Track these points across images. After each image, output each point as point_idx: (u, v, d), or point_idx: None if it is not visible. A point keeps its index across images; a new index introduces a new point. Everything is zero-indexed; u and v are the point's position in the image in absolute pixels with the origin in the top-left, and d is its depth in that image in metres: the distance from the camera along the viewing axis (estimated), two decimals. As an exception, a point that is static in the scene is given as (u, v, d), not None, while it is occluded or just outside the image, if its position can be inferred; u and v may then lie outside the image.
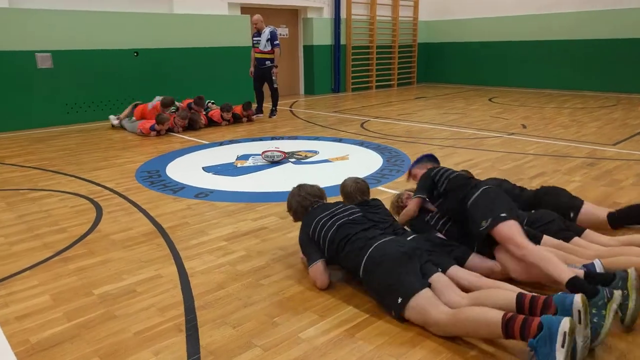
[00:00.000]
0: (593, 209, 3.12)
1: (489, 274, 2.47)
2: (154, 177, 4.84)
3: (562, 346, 1.70)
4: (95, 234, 3.37)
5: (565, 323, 1.73)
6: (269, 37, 8.19)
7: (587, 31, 11.34)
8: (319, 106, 10.13)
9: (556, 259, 2.28)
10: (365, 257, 2.35)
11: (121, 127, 7.68)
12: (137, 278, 2.70)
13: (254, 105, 8.56)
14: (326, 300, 2.44)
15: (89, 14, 8.08)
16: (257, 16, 8.37)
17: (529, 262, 2.32)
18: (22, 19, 7.47)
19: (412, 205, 3.02)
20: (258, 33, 8.31)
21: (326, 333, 2.16)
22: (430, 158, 3.45)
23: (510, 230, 2.42)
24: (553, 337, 1.72)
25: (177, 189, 4.40)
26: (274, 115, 8.67)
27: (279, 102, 9.00)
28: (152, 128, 6.95)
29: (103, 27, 8.27)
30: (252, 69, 8.60)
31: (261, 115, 8.69)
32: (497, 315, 1.89)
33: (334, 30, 12.10)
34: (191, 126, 7.44)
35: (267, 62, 8.34)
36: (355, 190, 3.05)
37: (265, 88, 8.76)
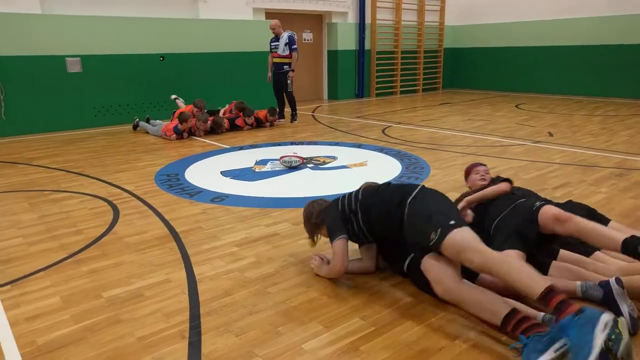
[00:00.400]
0: (617, 230, 2.95)
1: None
2: (172, 180, 4.90)
3: (602, 331, 1.64)
4: (111, 236, 3.41)
5: (606, 315, 1.69)
6: (287, 41, 8.18)
7: (619, 36, 10.97)
8: (342, 111, 10.09)
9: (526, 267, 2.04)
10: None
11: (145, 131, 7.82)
12: (146, 282, 2.71)
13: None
14: (333, 311, 2.39)
15: (117, 20, 8.28)
16: (274, 21, 8.35)
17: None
18: (54, 24, 7.71)
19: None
20: (276, 38, 8.31)
21: (330, 345, 2.12)
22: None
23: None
24: (595, 320, 1.67)
25: (194, 193, 4.43)
26: (295, 120, 8.68)
27: (298, 107, 9.01)
28: (175, 129, 7.04)
29: (130, 32, 8.45)
30: (270, 74, 8.60)
31: (282, 120, 8.71)
32: (543, 280, 1.91)
33: (358, 35, 12.07)
34: (214, 130, 7.52)
35: (285, 67, 8.34)
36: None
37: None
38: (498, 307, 2.04)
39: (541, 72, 12.56)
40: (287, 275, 2.78)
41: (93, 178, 5.01)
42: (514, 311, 1.99)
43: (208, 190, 4.50)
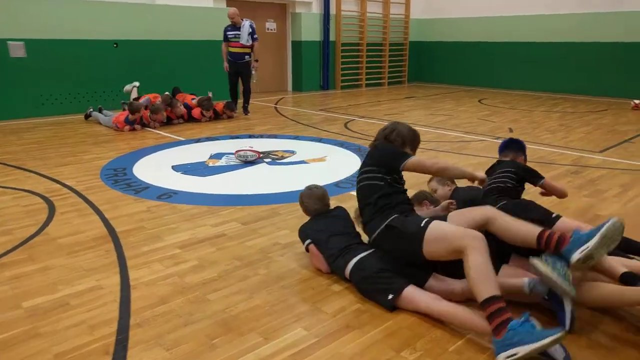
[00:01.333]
0: (570, 224, 2.91)
1: (449, 297, 2.27)
2: (119, 175, 4.62)
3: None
4: (41, 237, 3.14)
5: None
6: (250, 30, 7.87)
7: (580, 34, 11.19)
8: (305, 104, 9.91)
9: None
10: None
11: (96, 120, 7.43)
12: (74, 289, 2.49)
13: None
14: (275, 320, 2.24)
15: (65, 2, 7.81)
16: (233, 10, 7.95)
17: None
18: (-5, 5, 7.20)
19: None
20: (234, 27, 7.90)
21: (268, 359, 1.96)
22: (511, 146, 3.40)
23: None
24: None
25: (140, 189, 4.18)
26: (248, 112, 8.30)
27: (262, 98, 8.74)
28: (126, 120, 6.70)
29: (81, 16, 8.00)
30: (226, 64, 8.14)
31: (236, 112, 8.32)
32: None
33: (323, 26, 11.87)
34: (170, 120, 7.23)
35: (247, 57, 8.03)
36: (311, 201, 2.86)
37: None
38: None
39: (504, 68, 12.70)
40: (230, 280, 2.61)
41: (32, 172, 4.67)
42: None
43: (155, 187, 4.26)
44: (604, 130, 7.00)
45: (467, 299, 2.28)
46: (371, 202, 2.46)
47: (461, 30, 13.46)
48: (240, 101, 8.45)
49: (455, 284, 2.33)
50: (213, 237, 3.18)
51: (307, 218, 2.92)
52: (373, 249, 2.52)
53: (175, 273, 2.68)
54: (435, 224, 2.25)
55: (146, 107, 7.02)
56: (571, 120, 7.89)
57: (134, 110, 6.68)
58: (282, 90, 12.12)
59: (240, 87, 8.37)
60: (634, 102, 9.04)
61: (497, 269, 2.31)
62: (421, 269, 2.41)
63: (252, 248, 3.01)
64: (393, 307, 2.28)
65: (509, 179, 2.91)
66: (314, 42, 11.91)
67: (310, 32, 11.78)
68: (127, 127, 6.73)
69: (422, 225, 2.26)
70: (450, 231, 2.17)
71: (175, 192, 4.10)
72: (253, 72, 8.13)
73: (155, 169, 4.86)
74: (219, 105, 7.81)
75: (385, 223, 2.38)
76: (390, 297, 2.27)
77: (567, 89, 11.55)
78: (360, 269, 2.43)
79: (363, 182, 2.55)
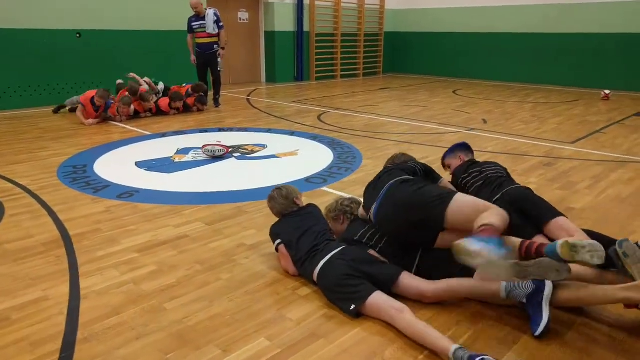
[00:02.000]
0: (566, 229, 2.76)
1: (419, 298, 2.17)
2: (78, 172, 4.37)
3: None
4: (-13, 243, 2.92)
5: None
6: (215, 19, 7.61)
7: (552, 25, 11.25)
8: (279, 95, 9.71)
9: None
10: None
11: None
12: (17, 301, 2.29)
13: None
14: (236, 330, 2.09)
15: (23, -10, 7.40)
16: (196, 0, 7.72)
17: None
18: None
19: None
20: (198, 17, 7.60)
21: (226, 375, 1.82)
22: (463, 147, 3.36)
23: None
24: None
25: (100, 188, 3.95)
26: (219, 105, 8.10)
27: (234, 90, 8.51)
28: (91, 100, 6.40)
29: (41, 4, 7.60)
30: (193, 56, 7.86)
31: (207, 105, 8.09)
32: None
33: (296, 16, 11.64)
34: (136, 112, 6.96)
35: (215, 46, 7.76)
36: (275, 203, 2.73)
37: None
38: None
39: (478, 59, 12.71)
40: (190, 287, 2.45)
41: (-17, 171, 4.39)
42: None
43: (116, 185, 4.04)
44: (575, 121, 7.02)
45: (438, 302, 2.18)
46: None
47: (436, 21, 13.41)
48: (211, 93, 8.20)
49: (428, 286, 2.22)
50: (175, 239, 3.00)
51: (275, 218, 2.77)
52: (342, 247, 2.40)
53: (131, 280, 2.50)
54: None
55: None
56: (543, 110, 7.91)
57: (124, 103, 6.61)
58: (256, 81, 11.87)
59: (210, 79, 8.12)
60: (604, 93, 9.14)
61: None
62: (397, 262, 2.32)
63: (215, 250, 2.85)
64: (357, 315, 2.17)
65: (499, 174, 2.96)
66: (288, 32, 11.68)
67: (284, 22, 11.54)
68: (91, 121, 6.44)
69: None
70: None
71: (137, 191, 3.89)
72: (219, 60, 7.87)
73: (118, 165, 4.63)
74: (190, 99, 7.56)
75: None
76: (352, 307, 2.15)
77: (539, 80, 11.63)
78: (327, 273, 2.30)
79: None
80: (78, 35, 8.09)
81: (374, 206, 2.48)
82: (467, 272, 2.19)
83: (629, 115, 7.41)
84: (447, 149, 3.48)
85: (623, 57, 10.34)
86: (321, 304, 2.30)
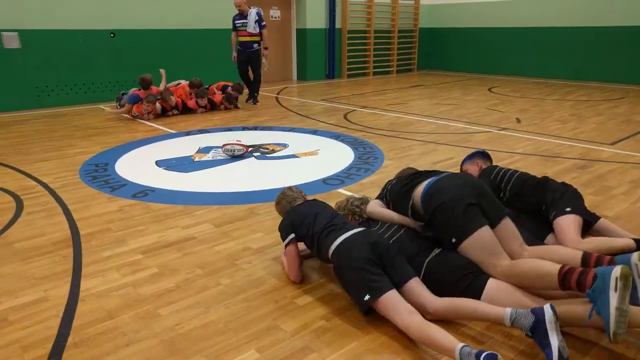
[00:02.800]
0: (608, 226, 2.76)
1: (419, 309, 2.02)
2: (99, 171, 4.43)
3: (615, 290, 1.73)
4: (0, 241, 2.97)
5: (617, 270, 1.75)
6: (257, 18, 7.76)
7: (596, 18, 10.65)
8: (309, 93, 9.63)
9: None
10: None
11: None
12: (17, 301, 2.30)
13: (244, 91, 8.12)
14: (228, 339, 2.02)
15: (59, -8, 7.63)
16: None
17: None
18: (-14, -5, 7.06)
19: None
20: (242, 15, 7.84)
21: (210, 388, 1.75)
22: (482, 155, 3.33)
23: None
24: (606, 283, 1.76)
25: (117, 187, 3.99)
26: (257, 102, 8.24)
27: (264, 88, 8.57)
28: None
29: (77, 5, 7.82)
30: (235, 53, 8.09)
31: (250, 101, 8.26)
32: (554, 268, 1.93)
33: (328, 13, 11.52)
34: (164, 110, 7.06)
35: (255, 45, 7.90)
36: (289, 194, 2.75)
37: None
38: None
39: (517, 54, 12.21)
40: (188, 291, 2.39)
41: (10, 168, 4.52)
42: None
43: (134, 184, 4.06)
44: (619, 120, 6.59)
45: (438, 319, 2.03)
46: None
47: (473, 16, 12.98)
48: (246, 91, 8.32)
49: (433, 300, 2.07)
50: (181, 241, 2.97)
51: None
52: (364, 228, 2.35)
53: (131, 283, 2.48)
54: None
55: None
56: (584, 109, 7.48)
57: (149, 101, 6.79)
58: (287, 79, 11.84)
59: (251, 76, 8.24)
60: (653, 90, 8.56)
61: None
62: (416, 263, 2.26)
63: (220, 254, 2.80)
64: (367, 311, 2.06)
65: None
66: (320, 29, 11.58)
67: (316, 19, 11.45)
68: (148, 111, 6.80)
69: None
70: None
71: (153, 190, 3.90)
72: (264, 60, 8.02)
73: (138, 164, 4.67)
74: (218, 96, 7.60)
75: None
76: (367, 297, 2.02)
77: (582, 76, 11.05)
78: (347, 249, 2.19)
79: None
80: (112, 35, 8.28)
81: (429, 180, 2.36)
82: (471, 291, 2.05)
83: (679, 114, 6.90)
84: (467, 155, 3.30)
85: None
86: (320, 313, 2.19)
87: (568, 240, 2.51)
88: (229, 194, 3.82)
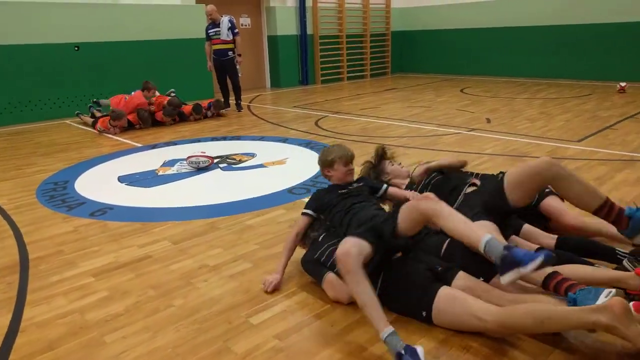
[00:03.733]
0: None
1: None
2: (58, 189, 4.28)
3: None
4: (-57, 270, 2.82)
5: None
6: (229, 25, 7.81)
7: (564, 16, 10.81)
8: (282, 100, 9.56)
9: None
10: None
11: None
12: (-48, 336, 2.16)
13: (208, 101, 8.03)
14: (174, 366, 1.92)
15: (22, 5, 7.43)
16: (210, 6, 7.97)
17: None
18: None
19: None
20: (214, 24, 7.91)
21: (150, 421, 1.64)
22: None
23: None
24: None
25: (75, 206, 3.84)
26: (241, 109, 8.33)
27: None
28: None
29: (39, 18, 7.63)
30: (210, 63, 8.16)
31: (229, 108, 8.21)
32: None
33: (299, 19, 11.49)
34: (132, 125, 6.90)
35: (230, 53, 7.94)
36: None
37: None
38: None
39: (489, 55, 12.33)
40: (137, 315, 2.28)
41: (-36, 190, 4.34)
42: (554, 273, 2.00)
43: (92, 202, 3.92)
44: (585, 116, 6.66)
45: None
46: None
47: (444, 18, 13.08)
48: (232, 100, 8.34)
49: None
50: (136, 261, 2.85)
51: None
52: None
53: (78, 309, 2.35)
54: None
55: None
56: (553, 107, 7.55)
57: (115, 117, 6.51)
58: (260, 87, 11.76)
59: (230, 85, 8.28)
60: (620, 85, 8.70)
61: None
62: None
63: (174, 273, 2.69)
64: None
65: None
66: (291, 36, 11.54)
67: (287, 26, 11.40)
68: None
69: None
70: None
71: (112, 208, 3.77)
72: (237, 67, 8.04)
73: (100, 180, 4.53)
74: (187, 107, 7.48)
75: None
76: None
77: (553, 74, 11.20)
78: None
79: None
80: (76, 48, 8.10)
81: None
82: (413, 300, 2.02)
83: (644, 109, 7.01)
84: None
85: (640, 47, 9.85)
86: (273, 332, 2.10)
87: (571, 217, 2.63)
88: (189, 208, 3.71)
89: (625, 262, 2.31)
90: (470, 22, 12.52)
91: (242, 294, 2.44)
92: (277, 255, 2.72)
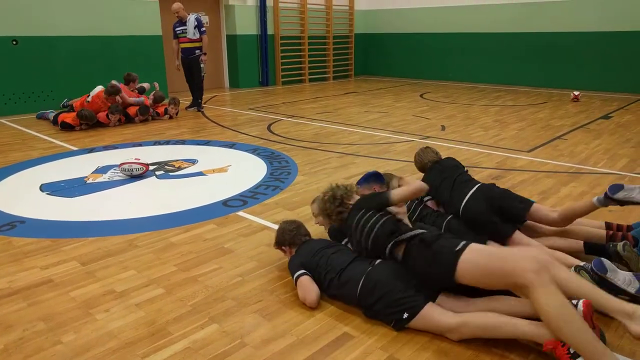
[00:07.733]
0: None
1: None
2: (-31, 199, 3.89)
3: None
4: None
5: None
6: (196, 24, 7.67)
7: (524, 24, 10.90)
8: (238, 102, 9.26)
9: None
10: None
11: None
12: None
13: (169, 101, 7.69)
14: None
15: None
16: (177, 4, 7.75)
17: None
18: None
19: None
20: (181, 22, 7.75)
21: None
22: (377, 179, 2.97)
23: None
24: None
25: (-18, 219, 3.47)
26: (202, 108, 8.12)
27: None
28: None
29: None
30: (177, 62, 8.05)
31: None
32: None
33: (259, 19, 11.19)
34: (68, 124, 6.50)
35: (197, 51, 7.83)
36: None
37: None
38: None
39: (450, 59, 12.34)
40: (16, 356, 1.99)
41: None
42: None
43: (4, 214, 3.56)
44: (538, 125, 6.65)
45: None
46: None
47: (408, 22, 13.03)
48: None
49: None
50: (33, 286, 2.54)
51: None
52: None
53: (-54, 348, 2.04)
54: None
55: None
56: (508, 115, 7.54)
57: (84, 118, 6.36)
58: (219, 87, 11.40)
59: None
60: (574, 94, 8.80)
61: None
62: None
63: (74, 301, 2.40)
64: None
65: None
66: (251, 35, 11.23)
67: (246, 25, 11.09)
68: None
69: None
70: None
71: (23, 221, 3.42)
72: (202, 65, 7.93)
73: (19, 189, 4.15)
74: (133, 109, 7.08)
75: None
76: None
77: (512, 81, 11.30)
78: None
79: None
80: (14, 42, 7.58)
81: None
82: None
83: (595, 119, 7.06)
84: (361, 177, 3.03)
85: (596, 56, 10.01)
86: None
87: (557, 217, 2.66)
88: (110, 222, 3.40)
89: (619, 247, 2.42)
90: (434, 26, 12.51)
91: (146, 326, 2.17)
92: (196, 278, 2.47)
